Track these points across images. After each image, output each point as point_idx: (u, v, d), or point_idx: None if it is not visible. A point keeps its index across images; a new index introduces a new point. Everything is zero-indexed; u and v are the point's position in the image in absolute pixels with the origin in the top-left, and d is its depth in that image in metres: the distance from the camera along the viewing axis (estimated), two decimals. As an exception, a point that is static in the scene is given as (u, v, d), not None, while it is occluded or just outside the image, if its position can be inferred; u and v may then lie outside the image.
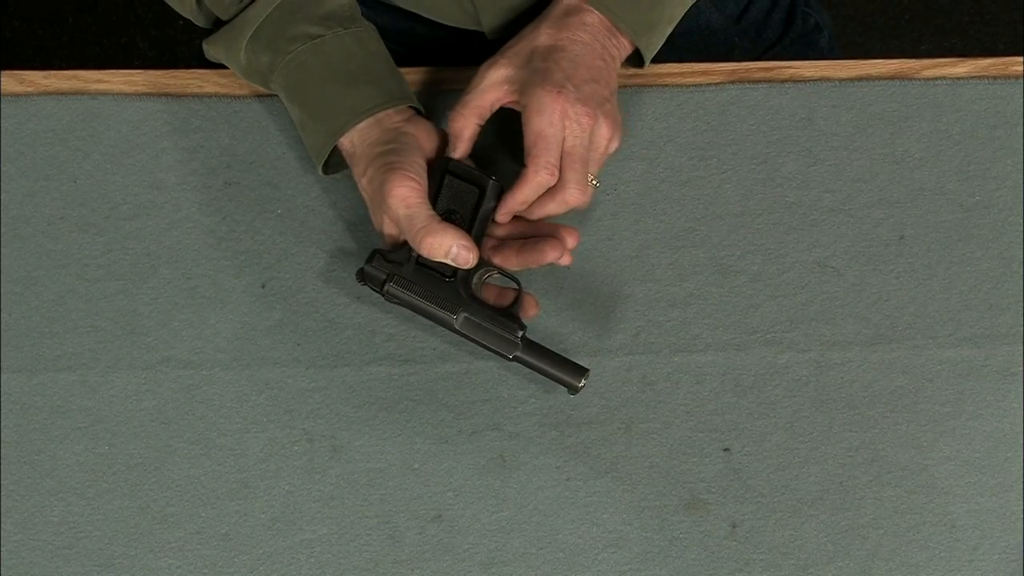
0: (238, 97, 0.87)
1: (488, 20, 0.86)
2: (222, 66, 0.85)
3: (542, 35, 0.74)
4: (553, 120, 0.72)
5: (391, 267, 0.76)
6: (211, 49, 0.82)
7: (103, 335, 0.83)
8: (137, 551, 0.80)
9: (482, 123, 0.77)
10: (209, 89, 0.87)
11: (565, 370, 0.78)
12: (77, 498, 0.81)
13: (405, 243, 0.77)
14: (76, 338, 0.82)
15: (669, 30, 0.76)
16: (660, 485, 0.82)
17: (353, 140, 0.77)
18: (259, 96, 0.87)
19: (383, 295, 0.77)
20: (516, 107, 0.75)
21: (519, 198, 0.75)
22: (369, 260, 0.77)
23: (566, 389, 0.78)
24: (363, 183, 0.77)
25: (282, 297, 0.84)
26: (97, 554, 0.80)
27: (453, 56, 0.91)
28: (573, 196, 0.75)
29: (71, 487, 0.81)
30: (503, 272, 0.79)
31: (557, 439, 0.82)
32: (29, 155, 0.85)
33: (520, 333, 0.77)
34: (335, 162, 0.81)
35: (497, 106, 0.76)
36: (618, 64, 0.77)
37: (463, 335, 0.77)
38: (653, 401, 0.83)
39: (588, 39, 0.73)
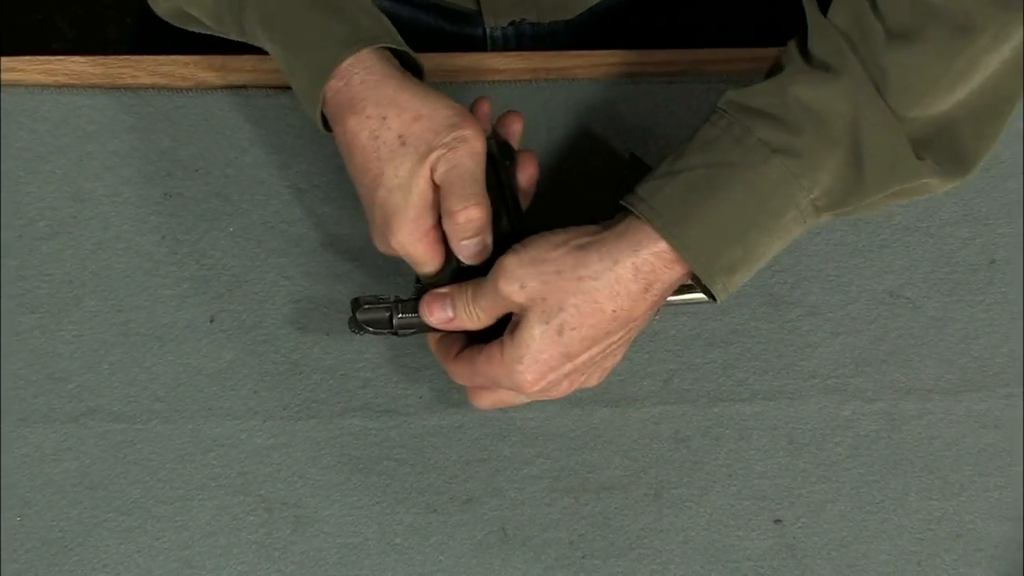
0: (180, 90, 0.86)
1: None
2: (160, 47, 0.84)
3: (589, 273, 0.71)
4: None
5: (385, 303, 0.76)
6: None
7: (14, 381, 0.82)
8: (55, 646, 0.79)
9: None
10: (145, 80, 0.86)
11: None
12: (-18, 581, 0.80)
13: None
14: (-19, 385, 0.82)
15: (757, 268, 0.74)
16: (697, 564, 0.82)
17: (352, 76, 0.74)
18: (207, 89, 0.86)
19: (396, 333, 0.76)
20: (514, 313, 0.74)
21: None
22: (355, 309, 0.76)
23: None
24: (384, 124, 0.73)
25: (234, 334, 0.83)
26: (6, 650, 0.79)
27: (440, 44, 0.93)
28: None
29: (-26, 568, 0.80)
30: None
31: (570, 508, 0.82)
32: (-76, 161, 0.84)
33: None
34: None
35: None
36: (662, 297, 0.74)
37: None
38: (688, 461, 0.83)
39: (638, 289, 0.71)
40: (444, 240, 0.74)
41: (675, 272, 0.71)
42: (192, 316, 0.83)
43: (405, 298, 0.76)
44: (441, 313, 0.74)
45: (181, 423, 0.82)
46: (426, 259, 0.74)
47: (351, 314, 0.76)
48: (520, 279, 0.70)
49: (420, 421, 0.83)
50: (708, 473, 0.83)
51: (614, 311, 0.71)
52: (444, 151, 0.71)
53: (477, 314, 0.73)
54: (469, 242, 0.73)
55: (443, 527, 0.82)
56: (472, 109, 0.79)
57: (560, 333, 0.70)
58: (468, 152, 0.72)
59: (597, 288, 0.70)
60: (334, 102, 0.74)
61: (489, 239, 0.73)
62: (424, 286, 0.76)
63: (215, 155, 0.86)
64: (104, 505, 0.81)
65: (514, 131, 0.80)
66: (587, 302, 0.70)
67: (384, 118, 0.72)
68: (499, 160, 0.77)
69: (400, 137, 0.72)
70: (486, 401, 0.76)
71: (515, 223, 0.76)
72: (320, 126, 0.76)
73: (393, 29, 0.76)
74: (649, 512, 0.82)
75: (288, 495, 0.82)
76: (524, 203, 0.79)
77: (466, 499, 0.82)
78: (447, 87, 0.87)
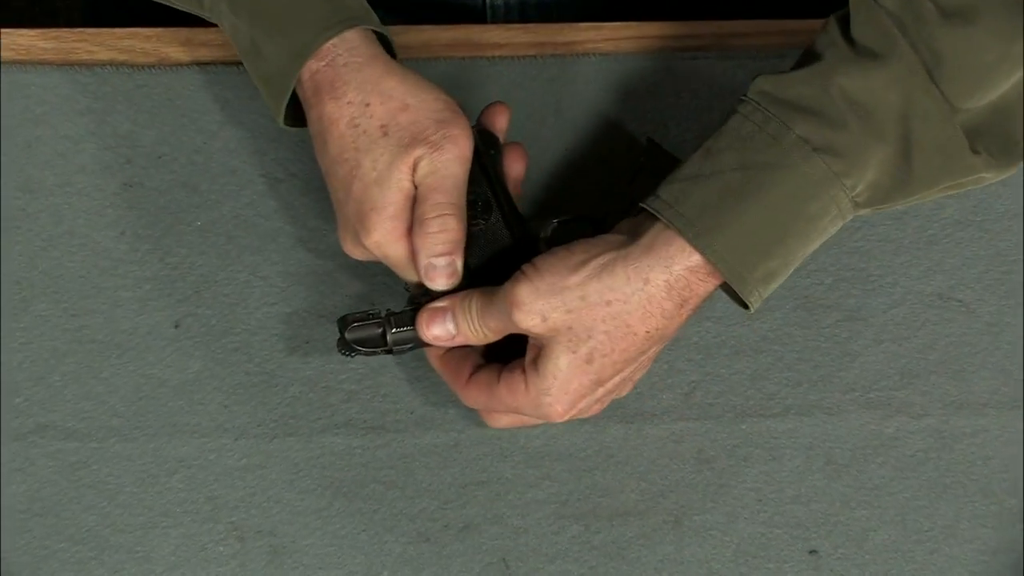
0: (142, 67, 0.86)
1: None
2: (118, 18, 0.84)
3: (597, 303, 0.69)
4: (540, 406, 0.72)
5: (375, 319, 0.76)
6: None
7: (-45, 395, 0.81)
8: None
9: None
10: (102, 56, 0.86)
11: None
12: (-79, 622, 0.80)
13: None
14: (-83, 399, 0.82)
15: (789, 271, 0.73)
16: (723, 601, 0.81)
17: (336, 58, 0.73)
18: (171, 66, 0.86)
19: (391, 351, 0.76)
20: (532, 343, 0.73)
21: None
22: (343, 328, 0.75)
23: None
24: (365, 112, 0.72)
25: (202, 341, 0.82)
26: None
27: (434, 15, 0.92)
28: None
29: (-89, 606, 0.80)
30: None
31: (580, 536, 0.81)
32: None
33: None
34: (292, 110, 0.78)
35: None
36: (695, 307, 0.73)
37: None
38: (713, 484, 0.82)
39: (670, 310, 0.70)
40: None
41: (710, 285, 0.70)
42: (155, 321, 0.82)
43: (398, 310, 0.75)
44: (441, 329, 0.72)
45: (142, 442, 0.81)
46: (408, 262, 0.72)
47: (339, 335, 0.75)
48: (540, 312, 0.69)
49: (411, 439, 0.82)
50: (735, 498, 0.82)
51: (647, 332, 0.69)
52: (429, 149, 0.71)
53: (484, 332, 0.72)
54: (439, 260, 0.71)
55: (437, 558, 0.80)
56: (486, 112, 0.79)
57: (590, 361, 0.69)
58: (455, 155, 0.71)
59: (628, 311, 0.68)
60: (311, 84, 0.73)
61: (460, 263, 0.72)
62: (418, 294, 0.74)
63: (181, 140, 0.85)
64: (56, 533, 0.80)
65: (499, 125, 0.79)
66: (618, 327, 0.69)
67: (367, 105, 0.71)
68: (482, 150, 0.77)
69: (383, 127, 0.71)
70: (504, 422, 0.75)
71: (508, 216, 0.76)
72: (281, 117, 0.76)
73: (373, 13, 0.77)
74: (668, 541, 0.81)
75: (263, 522, 0.80)
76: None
77: (463, 526, 0.81)
78: (440, 64, 0.86)
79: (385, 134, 0.70)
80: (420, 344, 0.75)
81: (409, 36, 0.86)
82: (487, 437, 0.81)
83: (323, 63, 0.72)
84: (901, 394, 0.83)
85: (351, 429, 0.82)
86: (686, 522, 0.81)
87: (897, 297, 0.84)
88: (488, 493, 0.81)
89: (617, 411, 0.81)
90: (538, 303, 0.68)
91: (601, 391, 0.70)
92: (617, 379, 0.71)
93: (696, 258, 0.67)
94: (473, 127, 0.76)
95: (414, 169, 0.70)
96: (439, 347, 0.75)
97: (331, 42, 0.72)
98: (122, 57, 0.85)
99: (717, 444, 0.82)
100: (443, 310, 0.71)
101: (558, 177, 0.84)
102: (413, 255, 0.72)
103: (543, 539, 0.80)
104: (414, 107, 0.71)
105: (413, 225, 0.70)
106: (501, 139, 0.79)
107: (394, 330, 0.74)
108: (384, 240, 0.70)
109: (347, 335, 0.74)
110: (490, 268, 0.74)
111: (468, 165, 0.72)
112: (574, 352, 0.68)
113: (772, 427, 0.82)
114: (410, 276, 0.73)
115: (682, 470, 0.82)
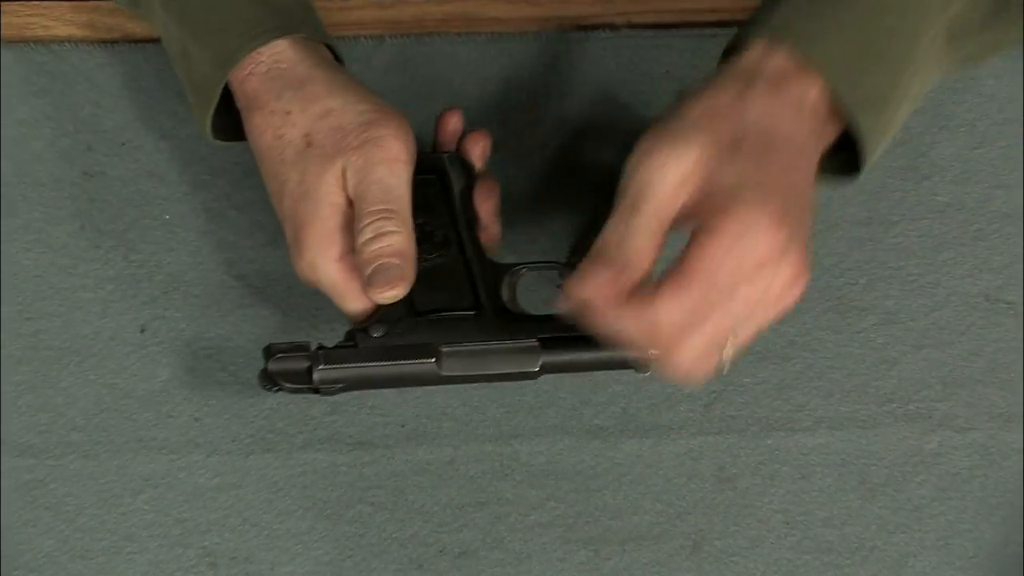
0: (104, 43, 0.84)
1: None
2: None
3: (755, 106, 0.66)
4: (744, 262, 0.63)
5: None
6: None
7: (-102, 407, 0.80)
8: None
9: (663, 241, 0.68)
10: (60, 31, 0.85)
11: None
12: None
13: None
14: None
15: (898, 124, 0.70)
16: (746, 635, 0.80)
17: (258, 66, 0.72)
18: (136, 42, 0.84)
19: (316, 390, 0.73)
20: (688, 221, 0.67)
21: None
22: (267, 358, 0.73)
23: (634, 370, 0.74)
24: (287, 121, 0.72)
25: (171, 347, 0.81)
26: None
27: None
28: (680, 365, 0.65)
29: None
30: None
31: (589, 563, 0.80)
32: None
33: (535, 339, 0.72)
34: (232, 122, 0.77)
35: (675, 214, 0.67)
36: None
37: (463, 379, 0.74)
38: (736, 505, 0.81)
39: (806, 132, 0.67)
40: None
41: (809, 87, 0.64)
42: (118, 325, 0.81)
43: (331, 345, 0.73)
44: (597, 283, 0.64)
45: (105, 458, 0.80)
46: (346, 289, 0.70)
47: (264, 365, 0.73)
48: (676, 141, 0.62)
49: (402, 456, 0.80)
50: (760, 520, 0.80)
51: (773, 125, 0.64)
52: (351, 156, 0.69)
53: (640, 244, 0.64)
54: (384, 264, 0.67)
55: (431, 587, 0.79)
56: (437, 123, 0.78)
57: (766, 152, 0.63)
58: (379, 158, 0.69)
59: (763, 102, 0.64)
60: (241, 95, 0.73)
61: (410, 271, 0.68)
62: (357, 328, 0.72)
63: (147, 125, 0.84)
64: (9, 560, 0.79)
65: (476, 152, 0.78)
66: (765, 116, 0.63)
67: (288, 113, 0.71)
68: (451, 178, 0.76)
69: (305, 136, 0.70)
70: (697, 343, 0.64)
71: (468, 253, 0.74)
72: (207, 129, 0.74)
73: (317, 16, 0.76)
74: (686, 568, 0.80)
75: (238, 547, 0.79)
76: (487, 243, 0.77)
77: (459, 552, 0.80)
78: (434, 41, 0.85)
79: (308, 144, 0.70)
80: (351, 386, 0.72)
81: (399, 10, 0.85)
82: (485, 454, 0.80)
83: (246, 72, 0.71)
84: (944, 406, 0.81)
85: (335, 444, 0.80)
86: (706, 547, 0.80)
87: (939, 299, 0.83)
88: (487, 515, 0.80)
89: (629, 424, 0.81)
90: (665, 142, 0.63)
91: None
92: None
93: (794, 60, 0.64)
94: (445, 153, 0.76)
95: (344, 181, 0.69)
96: (378, 388, 0.73)
97: (257, 51, 0.71)
98: (82, 33, 0.84)
99: (740, 461, 0.81)
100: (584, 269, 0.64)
101: (562, 169, 0.83)
102: (352, 277, 0.69)
103: (548, 566, 0.79)
104: (338, 112, 0.70)
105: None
106: (478, 168, 0.77)
107: (321, 366, 0.71)
108: (316, 260, 0.68)
109: (270, 366, 0.72)
110: (441, 312, 0.72)
111: (401, 169, 0.70)
112: (733, 158, 0.62)
113: (801, 442, 0.81)
114: (346, 304, 0.71)
115: (701, 490, 0.80)
